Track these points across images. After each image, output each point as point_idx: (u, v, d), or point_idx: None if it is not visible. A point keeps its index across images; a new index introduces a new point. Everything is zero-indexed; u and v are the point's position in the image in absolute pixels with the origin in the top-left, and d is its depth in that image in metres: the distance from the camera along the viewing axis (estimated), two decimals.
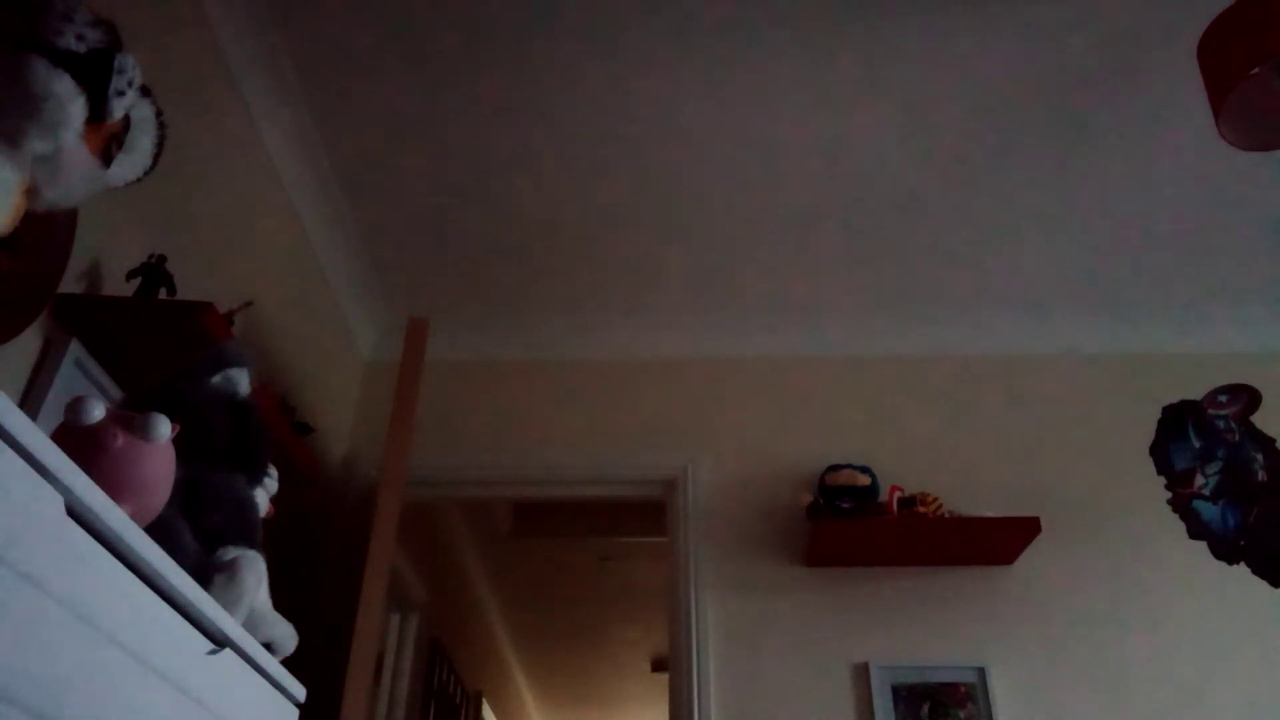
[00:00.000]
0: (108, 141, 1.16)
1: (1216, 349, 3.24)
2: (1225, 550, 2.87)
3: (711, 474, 3.08)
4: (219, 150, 2.22)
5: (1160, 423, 3.12)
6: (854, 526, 2.70)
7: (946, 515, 2.74)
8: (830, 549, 2.78)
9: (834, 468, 2.85)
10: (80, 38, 1.08)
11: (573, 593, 5.70)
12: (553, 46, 2.32)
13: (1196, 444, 3.07)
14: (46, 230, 1.47)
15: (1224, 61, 1.73)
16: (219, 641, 0.97)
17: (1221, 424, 3.10)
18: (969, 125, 2.54)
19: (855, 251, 3.02)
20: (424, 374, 3.25)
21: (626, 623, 6.16)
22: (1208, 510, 2.94)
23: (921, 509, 2.72)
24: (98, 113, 1.10)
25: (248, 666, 1.05)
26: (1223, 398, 3.14)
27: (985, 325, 3.30)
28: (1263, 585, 2.81)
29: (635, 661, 6.87)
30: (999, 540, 2.73)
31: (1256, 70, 1.69)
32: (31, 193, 1.09)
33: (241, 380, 1.31)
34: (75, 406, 0.90)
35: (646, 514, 4.24)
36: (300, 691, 1.21)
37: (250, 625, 1.16)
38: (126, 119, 1.19)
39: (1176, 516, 2.94)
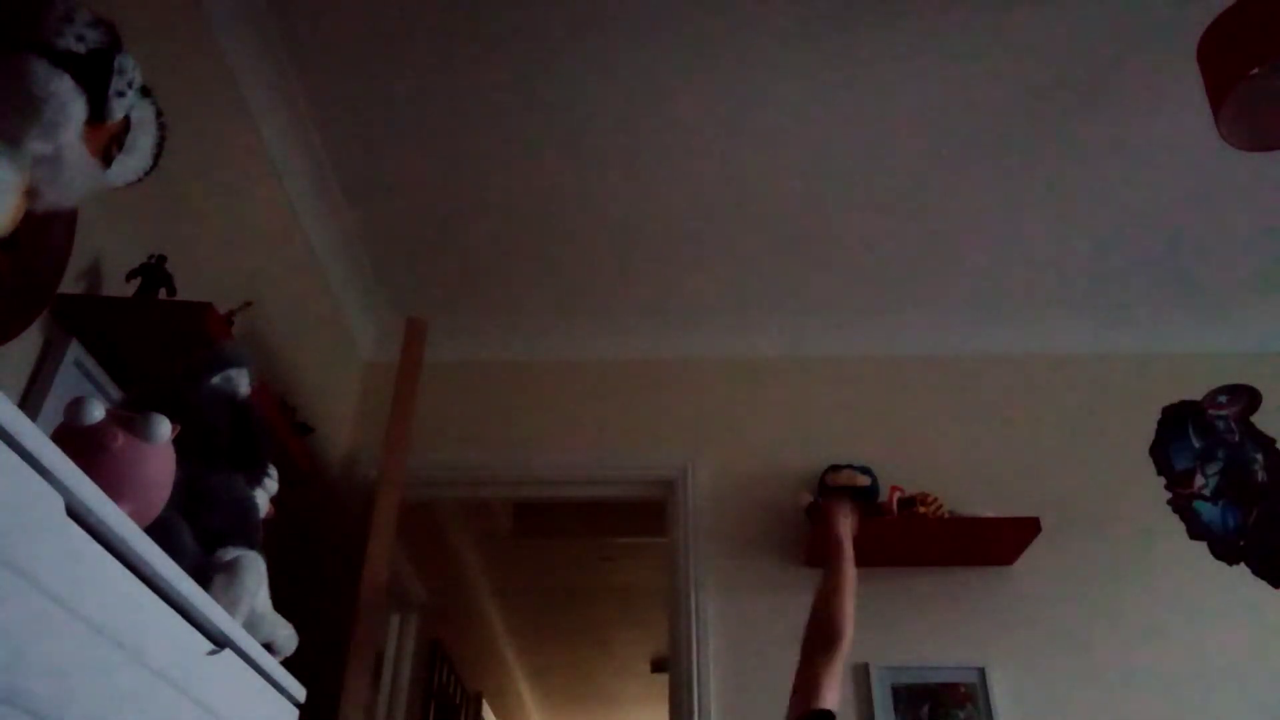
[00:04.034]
0: (108, 142, 1.16)
1: (1216, 349, 3.24)
2: (1225, 550, 2.87)
3: (711, 474, 3.08)
4: (219, 150, 2.22)
5: (1160, 423, 3.12)
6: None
7: (946, 515, 2.74)
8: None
9: (834, 468, 2.85)
10: (80, 38, 1.08)
11: (573, 593, 5.70)
12: (554, 45, 2.32)
13: (1196, 444, 3.07)
14: (46, 230, 1.47)
15: (1224, 61, 1.73)
16: (219, 642, 0.97)
17: (1221, 424, 3.10)
18: (969, 124, 2.54)
19: (855, 252, 3.02)
20: (424, 374, 3.25)
21: (626, 623, 6.16)
22: (1208, 510, 2.94)
23: (922, 509, 2.72)
24: (98, 113, 1.10)
25: (248, 667, 1.06)
26: (1223, 398, 3.14)
27: (985, 325, 3.30)
28: (1263, 585, 2.81)
29: (635, 661, 6.87)
30: (999, 540, 2.73)
31: (1256, 70, 1.69)
32: (32, 193, 1.09)
33: (241, 380, 1.31)
34: (75, 406, 0.90)
35: (646, 514, 4.24)
36: (300, 692, 1.21)
37: (250, 626, 1.16)
38: (126, 119, 1.19)
39: (1176, 517, 2.94)
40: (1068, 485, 3.00)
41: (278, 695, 1.15)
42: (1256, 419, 3.10)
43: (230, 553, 1.13)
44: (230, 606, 1.06)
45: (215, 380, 1.28)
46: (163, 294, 1.77)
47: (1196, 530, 2.91)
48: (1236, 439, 3.07)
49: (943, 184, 2.74)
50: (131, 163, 1.24)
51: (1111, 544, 2.89)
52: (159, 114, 1.28)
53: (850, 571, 1.87)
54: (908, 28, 2.27)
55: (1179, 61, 2.32)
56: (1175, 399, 3.16)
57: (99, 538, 0.75)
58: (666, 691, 2.90)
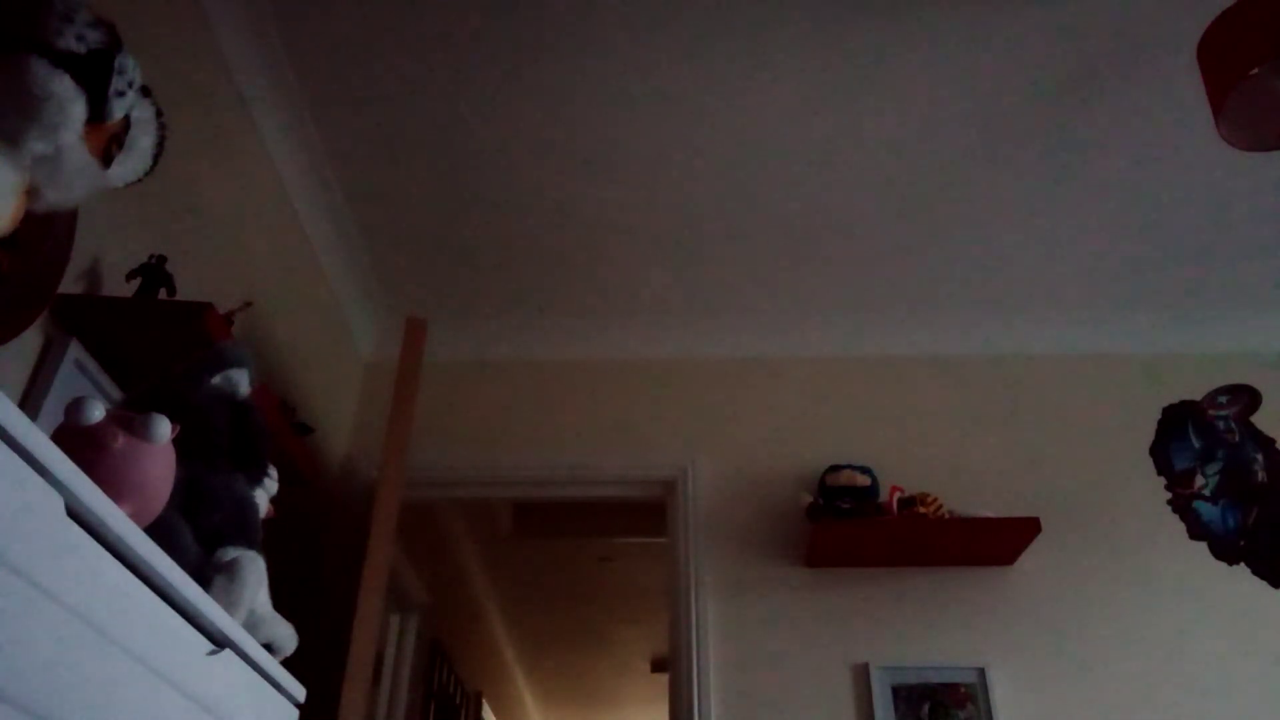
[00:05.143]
0: (108, 142, 1.16)
1: (1216, 349, 3.24)
2: (1225, 550, 2.87)
3: (711, 474, 3.08)
4: (219, 150, 2.22)
5: (1160, 423, 3.12)
6: (854, 527, 2.69)
7: (946, 515, 2.74)
8: (830, 549, 2.78)
9: (834, 468, 2.85)
10: (80, 38, 1.08)
11: (573, 593, 5.70)
12: (554, 47, 2.32)
13: (1196, 444, 3.07)
14: (46, 230, 1.47)
15: (1224, 61, 1.73)
16: (219, 642, 0.97)
17: (1221, 424, 3.10)
18: (969, 126, 2.54)
19: (855, 252, 3.02)
20: (424, 374, 3.25)
21: (626, 623, 6.16)
22: (1208, 511, 2.94)
23: (921, 509, 2.72)
24: (98, 113, 1.10)
25: (248, 667, 1.05)
26: (1223, 398, 3.14)
27: (985, 325, 3.30)
28: (1263, 585, 2.81)
29: (635, 661, 6.87)
30: (999, 540, 2.73)
31: (1256, 70, 1.69)
32: (32, 193, 1.09)
33: (241, 381, 1.31)
34: (75, 407, 0.90)
35: (646, 514, 4.24)
36: (300, 692, 1.21)
37: (250, 626, 1.16)
38: (126, 119, 1.19)
39: (1176, 517, 2.94)
40: (1068, 485, 3.00)
41: (278, 695, 1.14)
42: (1256, 419, 3.10)
43: (230, 553, 1.13)
44: (230, 606, 1.05)
45: (215, 380, 1.27)
46: (163, 294, 1.77)
47: (1196, 530, 2.91)
48: (1236, 439, 3.06)
49: (942, 184, 2.74)
50: (131, 163, 1.24)
51: (1111, 544, 2.89)
52: (159, 114, 1.28)
53: None
54: (910, 27, 2.27)
55: (1179, 61, 2.32)
56: (1175, 399, 3.16)
57: (99, 538, 0.75)
58: (666, 691, 2.89)
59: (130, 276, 1.75)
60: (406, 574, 3.94)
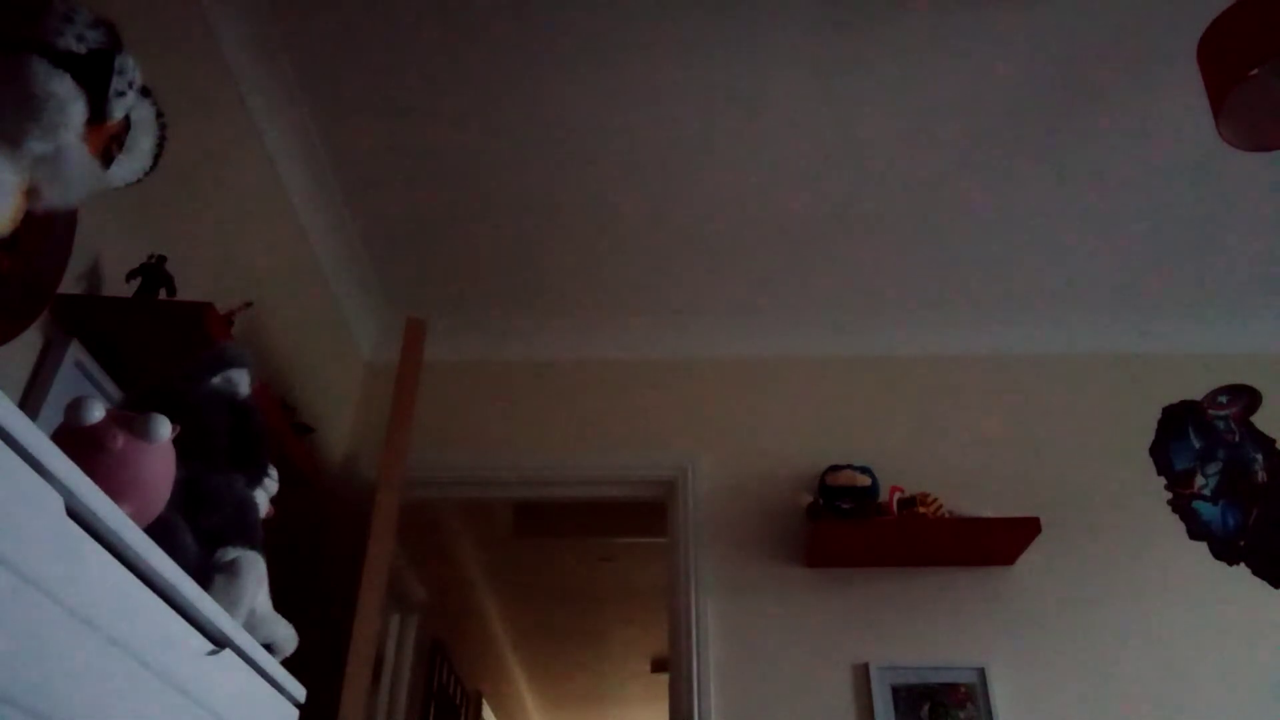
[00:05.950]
0: (108, 142, 1.16)
1: (1216, 349, 3.24)
2: (1225, 550, 2.87)
3: (711, 474, 3.08)
4: (219, 150, 2.22)
5: (1160, 423, 3.12)
6: (854, 527, 2.69)
7: (946, 515, 2.74)
8: (830, 549, 2.78)
9: (834, 468, 2.85)
10: (80, 38, 1.08)
11: (573, 593, 5.70)
12: (554, 47, 2.32)
13: (1196, 444, 3.07)
14: (46, 231, 1.47)
15: (1224, 62, 1.73)
16: (219, 642, 0.97)
17: (1221, 424, 3.10)
18: (969, 127, 2.54)
19: (856, 252, 3.02)
20: (424, 374, 3.25)
21: (626, 623, 6.16)
22: (1208, 511, 2.94)
23: (921, 509, 2.72)
24: (98, 113, 1.10)
25: (248, 667, 1.06)
26: (1223, 398, 3.14)
27: (986, 325, 3.30)
28: (1263, 585, 2.81)
29: (635, 661, 6.87)
30: (999, 540, 2.73)
31: (1256, 71, 1.69)
32: (32, 193, 1.09)
33: (241, 381, 1.31)
34: (75, 407, 0.90)
35: (646, 514, 4.24)
36: (300, 692, 1.21)
37: (250, 626, 1.16)
38: (127, 119, 1.19)
39: (1176, 517, 2.94)
40: (1068, 485, 3.00)
41: (278, 695, 1.15)
42: (1256, 419, 3.10)
43: (230, 553, 1.13)
44: (230, 606, 1.06)
45: (215, 380, 1.27)
46: (163, 294, 1.77)
47: (1196, 530, 2.91)
48: (1236, 439, 3.07)
49: (943, 185, 2.74)
50: (131, 163, 1.25)
51: (1111, 544, 2.89)
52: (159, 114, 1.28)
53: None
54: (911, 28, 2.27)
55: (1179, 62, 2.32)
56: (1175, 399, 3.16)
57: (99, 538, 0.75)
58: (666, 691, 2.90)
59: (130, 276, 1.75)
60: (406, 574, 3.94)
